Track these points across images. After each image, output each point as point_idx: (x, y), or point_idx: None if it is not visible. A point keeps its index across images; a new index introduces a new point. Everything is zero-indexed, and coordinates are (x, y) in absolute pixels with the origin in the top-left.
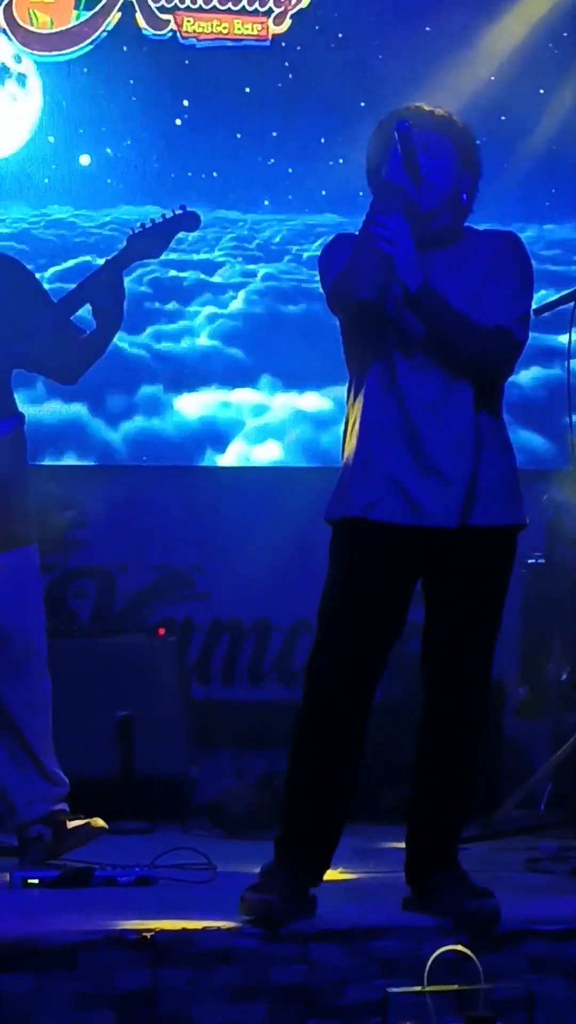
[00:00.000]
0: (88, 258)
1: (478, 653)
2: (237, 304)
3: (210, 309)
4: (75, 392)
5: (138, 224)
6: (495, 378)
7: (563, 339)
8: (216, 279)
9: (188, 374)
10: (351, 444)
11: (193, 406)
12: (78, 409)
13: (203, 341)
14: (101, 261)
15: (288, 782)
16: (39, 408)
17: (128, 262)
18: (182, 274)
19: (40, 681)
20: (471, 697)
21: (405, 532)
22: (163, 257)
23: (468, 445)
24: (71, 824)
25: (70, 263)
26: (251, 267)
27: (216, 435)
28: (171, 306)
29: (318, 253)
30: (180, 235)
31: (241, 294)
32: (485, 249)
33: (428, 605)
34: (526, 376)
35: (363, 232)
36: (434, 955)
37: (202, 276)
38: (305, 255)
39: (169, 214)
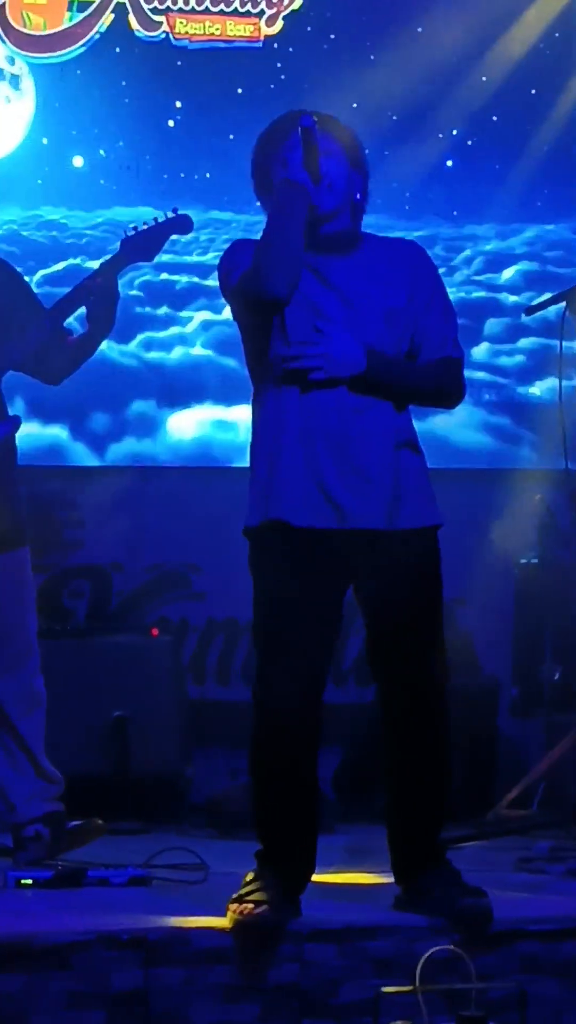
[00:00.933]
0: (78, 260)
1: (427, 652)
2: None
3: (204, 315)
4: (55, 411)
5: (131, 227)
6: (455, 403)
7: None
8: (210, 282)
9: (181, 388)
10: (263, 448)
11: (187, 425)
12: (57, 433)
13: (197, 351)
14: (92, 263)
15: (254, 798)
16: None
17: (121, 266)
18: (174, 277)
19: (35, 680)
20: (426, 698)
21: (331, 536)
22: (157, 258)
23: (389, 446)
24: (70, 824)
25: (60, 266)
26: None
27: (213, 459)
28: (163, 311)
29: None
30: (173, 237)
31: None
32: (396, 260)
33: (366, 611)
34: (519, 375)
35: (266, 232)
36: (427, 955)
37: (196, 280)
38: None
39: (162, 217)
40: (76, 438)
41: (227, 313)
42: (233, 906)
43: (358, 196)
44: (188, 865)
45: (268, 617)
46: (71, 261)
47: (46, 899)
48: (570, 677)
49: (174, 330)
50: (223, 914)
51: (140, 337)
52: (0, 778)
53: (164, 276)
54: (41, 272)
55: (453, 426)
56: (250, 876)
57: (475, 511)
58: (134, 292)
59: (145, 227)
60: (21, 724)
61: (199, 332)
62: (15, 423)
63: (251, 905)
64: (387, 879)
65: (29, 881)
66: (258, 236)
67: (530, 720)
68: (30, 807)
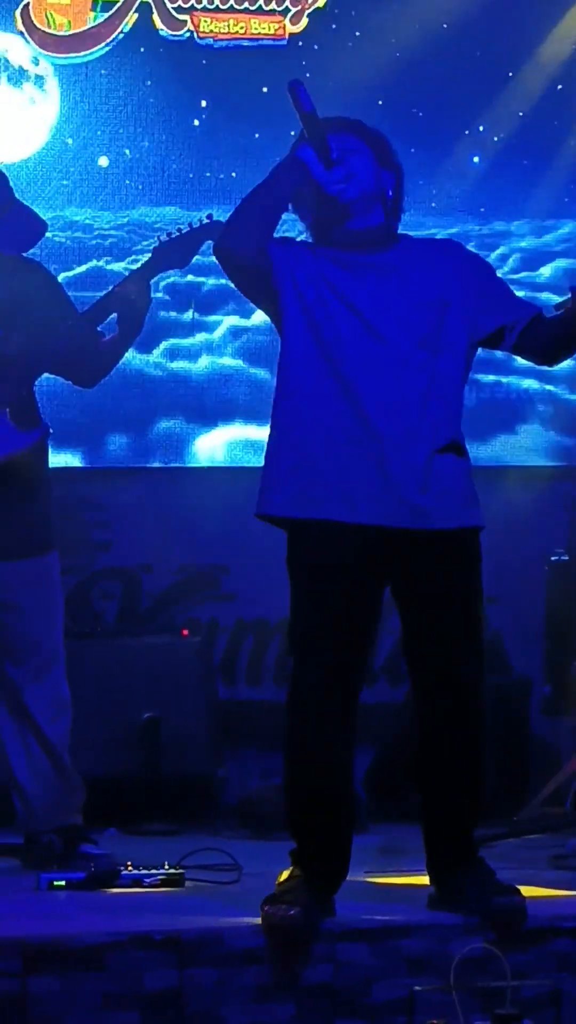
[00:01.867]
0: (101, 262)
1: (464, 652)
2: (261, 315)
3: (233, 320)
4: (68, 435)
5: (165, 233)
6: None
7: None
8: None
9: (209, 403)
10: (291, 435)
11: (215, 446)
12: (67, 460)
13: (226, 361)
14: (115, 265)
15: (288, 798)
16: None
17: (154, 273)
18: (200, 279)
19: (61, 686)
20: (462, 698)
21: (368, 533)
22: None
23: (429, 447)
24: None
25: (82, 268)
26: None
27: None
28: (189, 316)
29: None
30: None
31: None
32: (436, 257)
33: (403, 611)
34: (557, 373)
35: (246, 196)
36: (461, 953)
37: (223, 282)
38: None
39: (196, 223)
40: (91, 462)
41: (256, 319)
42: (267, 907)
43: (389, 193)
44: (221, 866)
45: (305, 614)
46: (93, 263)
47: (79, 900)
48: None
49: (200, 337)
50: (256, 914)
51: (164, 345)
52: (22, 783)
53: (190, 278)
54: (63, 275)
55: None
56: (284, 876)
57: (504, 508)
58: (159, 295)
59: (179, 233)
60: (48, 730)
61: (227, 339)
62: (45, 430)
63: (284, 906)
64: (420, 878)
65: (62, 883)
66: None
67: (562, 718)
68: (49, 816)
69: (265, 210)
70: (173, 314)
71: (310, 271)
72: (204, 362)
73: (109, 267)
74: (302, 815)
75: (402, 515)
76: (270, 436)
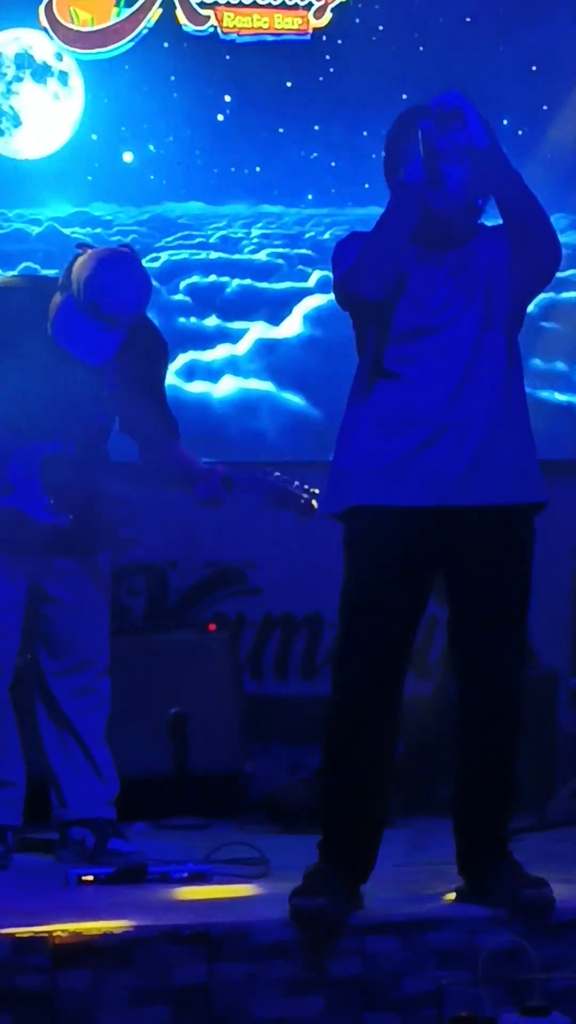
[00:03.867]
0: None
1: (508, 642)
2: (294, 325)
3: (260, 330)
4: None
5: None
6: (553, 261)
7: None
8: (264, 285)
9: (233, 437)
10: (355, 434)
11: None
12: None
13: (253, 384)
14: None
15: (325, 783)
16: None
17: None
18: (223, 279)
19: (101, 681)
20: (504, 693)
21: (419, 514)
22: (203, 256)
23: (483, 425)
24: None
25: None
26: (304, 269)
27: (265, 454)
28: (211, 323)
29: None
30: (222, 233)
31: (298, 311)
32: (498, 244)
33: (449, 594)
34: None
35: (372, 233)
36: (489, 946)
37: (249, 282)
38: None
39: (295, 486)
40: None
41: (288, 330)
42: (295, 898)
43: (479, 202)
44: (249, 860)
45: (353, 599)
46: None
47: (107, 895)
48: None
49: (223, 350)
50: (285, 909)
51: (182, 360)
52: (57, 774)
53: (213, 278)
54: None
55: None
56: (312, 869)
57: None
58: (179, 297)
59: (273, 483)
60: (79, 722)
61: (254, 357)
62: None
63: (312, 896)
64: (448, 871)
65: (90, 877)
66: (361, 228)
67: None
68: (81, 807)
69: (393, 251)
70: (193, 320)
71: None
72: (228, 385)
73: None
74: (336, 801)
75: (451, 493)
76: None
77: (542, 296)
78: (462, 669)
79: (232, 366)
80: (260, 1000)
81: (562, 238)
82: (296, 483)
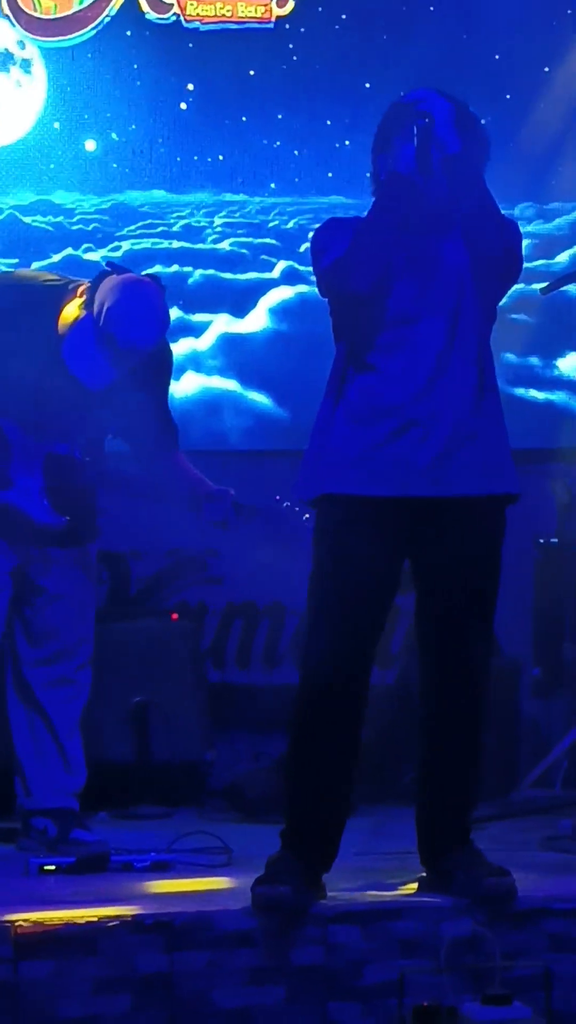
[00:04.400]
0: (79, 251)
1: (477, 630)
2: (259, 318)
3: (223, 325)
4: None
5: (285, 504)
6: (516, 261)
7: None
8: (227, 276)
9: (194, 436)
10: (329, 422)
11: None
12: None
13: (216, 382)
14: (94, 255)
15: (290, 772)
16: None
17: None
18: (186, 268)
19: (82, 672)
20: (472, 677)
21: (388, 504)
22: (165, 245)
23: (461, 415)
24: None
25: (58, 257)
26: (268, 259)
27: (228, 443)
28: (173, 314)
29: None
30: (184, 222)
31: (263, 304)
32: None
33: (417, 584)
34: (544, 354)
35: (366, 221)
36: (451, 935)
37: (212, 272)
38: None
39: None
40: None
41: (251, 324)
42: (257, 887)
43: None
44: (212, 849)
45: (322, 586)
46: (70, 251)
47: (70, 885)
48: None
49: (185, 345)
50: (247, 898)
51: None
52: (23, 763)
53: (175, 268)
54: (38, 263)
55: None
56: (274, 857)
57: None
58: None
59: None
60: (53, 710)
61: (217, 352)
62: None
63: (275, 885)
64: (410, 859)
65: (52, 867)
66: (325, 217)
67: (552, 700)
68: (46, 797)
69: (383, 245)
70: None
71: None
72: (189, 383)
73: (86, 256)
74: (300, 789)
75: (420, 484)
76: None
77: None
78: (428, 660)
79: (194, 362)
80: (222, 989)
81: (529, 227)
82: (307, 516)
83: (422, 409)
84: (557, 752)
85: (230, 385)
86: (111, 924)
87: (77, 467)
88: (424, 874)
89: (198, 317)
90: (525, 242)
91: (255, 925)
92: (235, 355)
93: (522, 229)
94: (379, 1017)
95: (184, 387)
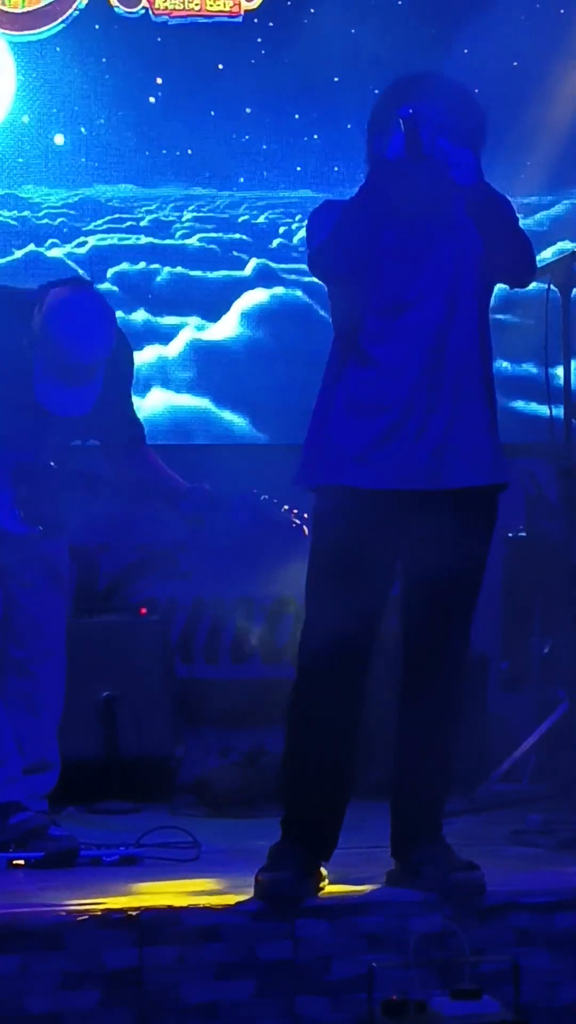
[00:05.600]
0: (42, 248)
1: (458, 623)
2: (231, 323)
3: (192, 331)
4: None
5: (263, 496)
6: (526, 275)
7: None
8: (197, 274)
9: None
10: (321, 411)
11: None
12: None
13: (185, 400)
14: (58, 252)
15: (289, 761)
16: None
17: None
18: (152, 267)
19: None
20: (451, 674)
21: (387, 496)
22: (132, 241)
23: (442, 406)
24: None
25: (20, 253)
26: (240, 256)
27: (196, 438)
28: (139, 317)
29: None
30: (153, 216)
31: (236, 308)
32: (456, 212)
33: (403, 576)
34: (510, 349)
35: (349, 205)
36: (420, 929)
37: (182, 271)
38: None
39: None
40: None
41: (224, 330)
42: (260, 875)
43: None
44: (180, 844)
45: (319, 578)
46: (31, 248)
47: (38, 879)
48: (559, 650)
49: (152, 352)
50: (215, 892)
51: None
52: None
53: (143, 265)
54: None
55: None
56: (276, 846)
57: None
58: (105, 287)
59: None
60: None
61: (187, 362)
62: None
63: (277, 872)
64: (378, 854)
65: (21, 861)
66: (295, 212)
67: (520, 694)
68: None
69: (363, 230)
70: (120, 315)
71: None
72: (156, 400)
73: (49, 253)
74: (300, 777)
75: (420, 478)
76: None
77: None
78: (411, 653)
79: (161, 373)
80: (191, 983)
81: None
82: (285, 507)
83: (419, 402)
84: (525, 746)
85: (202, 403)
86: (79, 919)
87: (46, 474)
88: (393, 868)
89: (166, 320)
90: None
91: (224, 920)
92: (207, 366)
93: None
94: (347, 1011)
95: (151, 404)
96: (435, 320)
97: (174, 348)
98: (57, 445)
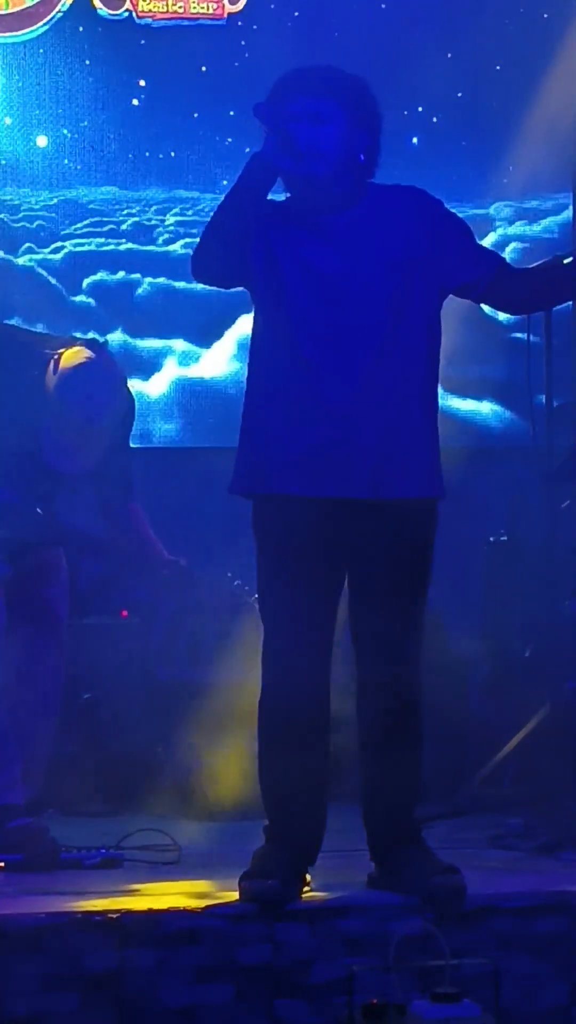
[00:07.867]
0: (13, 256)
1: (409, 627)
2: (225, 356)
3: (175, 365)
4: None
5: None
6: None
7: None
8: (181, 285)
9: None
10: (256, 413)
11: None
12: None
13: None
14: (36, 256)
15: (262, 770)
16: None
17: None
18: (132, 276)
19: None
20: (404, 676)
21: (323, 504)
22: (113, 247)
23: (385, 414)
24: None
25: None
26: None
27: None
28: (116, 338)
29: None
30: (135, 219)
31: (230, 336)
32: (404, 211)
33: (350, 585)
34: (493, 353)
35: (218, 209)
36: (400, 933)
37: (164, 281)
38: None
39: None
40: None
41: (216, 364)
42: (244, 881)
43: (361, 157)
44: (161, 846)
45: (271, 587)
46: (3, 256)
47: (18, 881)
48: (540, 655)
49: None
50: (196, 895)
51: None
52: None
53: (122, 275)
54: None
55: None
56: (261, 851)
57: (446, 488)
58: (80, 299)
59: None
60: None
61: (171, 408)
62: None
63: (262, 879)
64: (358, 857)
65: (0, 864)
66: None
67: (501, 698)
68: None
69: (236, 226)
70: (92, 335)
71: (282, 240)
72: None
73: (19, 260)
74: (277, 788)
75: (357, 486)
76: (241, 418)
77: None
78: (361, 658)
79: (141, 420)
80: (171, 987)
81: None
82: (256, 596)
83: (362, 408)
84: (506, 750)
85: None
86: (59, 921)
87: (20, 514)
88: (373, 871)
89: (147, 343)
90: (515, 245)
91: (203, 923)
92: (194, 412)
93: (505, 231)
94: (327, 1015)
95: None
96: (380, 323)
97: (156, 387)
98: (47, 493)
